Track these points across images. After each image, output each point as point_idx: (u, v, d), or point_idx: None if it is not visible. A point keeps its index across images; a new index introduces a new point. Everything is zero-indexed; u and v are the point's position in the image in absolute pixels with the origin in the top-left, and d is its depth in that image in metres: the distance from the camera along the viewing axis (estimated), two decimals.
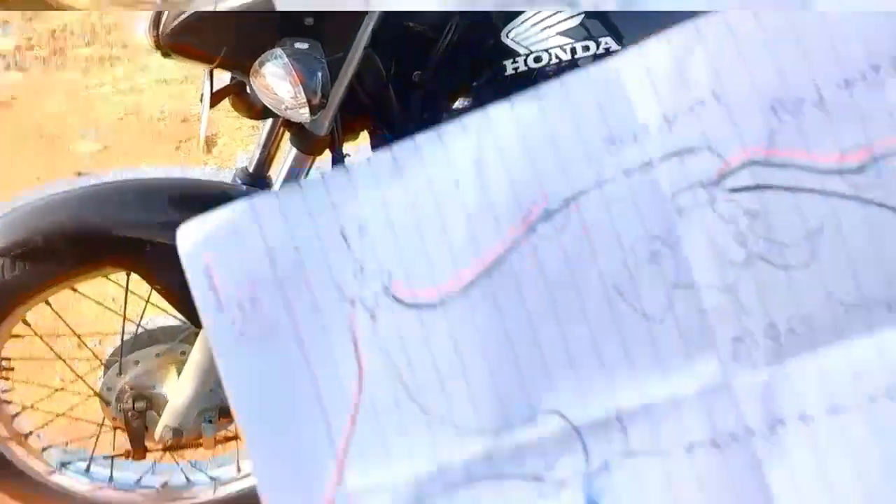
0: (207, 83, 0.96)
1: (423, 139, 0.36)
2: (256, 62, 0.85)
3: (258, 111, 0.95)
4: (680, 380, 0.33)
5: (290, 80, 0.83)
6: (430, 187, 0.35)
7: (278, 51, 0.84)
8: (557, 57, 0.84)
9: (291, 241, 0.38)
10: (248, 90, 0.93)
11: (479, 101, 0.91)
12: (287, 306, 0.38)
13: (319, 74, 0.84)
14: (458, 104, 0.91)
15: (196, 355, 1.11)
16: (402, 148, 0.37)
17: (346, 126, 0.95)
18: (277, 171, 1.04)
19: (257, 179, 1.10)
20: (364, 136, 1.00)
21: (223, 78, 0.98)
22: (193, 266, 0.38)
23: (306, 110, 0.85)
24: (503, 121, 0.34)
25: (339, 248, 0.37)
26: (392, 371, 0.37)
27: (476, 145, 0.34)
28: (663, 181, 0.33)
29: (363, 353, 0.37)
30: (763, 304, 0.32)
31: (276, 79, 0.84)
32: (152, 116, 2.68)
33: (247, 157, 1.14)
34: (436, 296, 0.36)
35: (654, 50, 0.33)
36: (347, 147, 0.93)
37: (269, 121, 1.05)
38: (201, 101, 0.98)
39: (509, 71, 0.86)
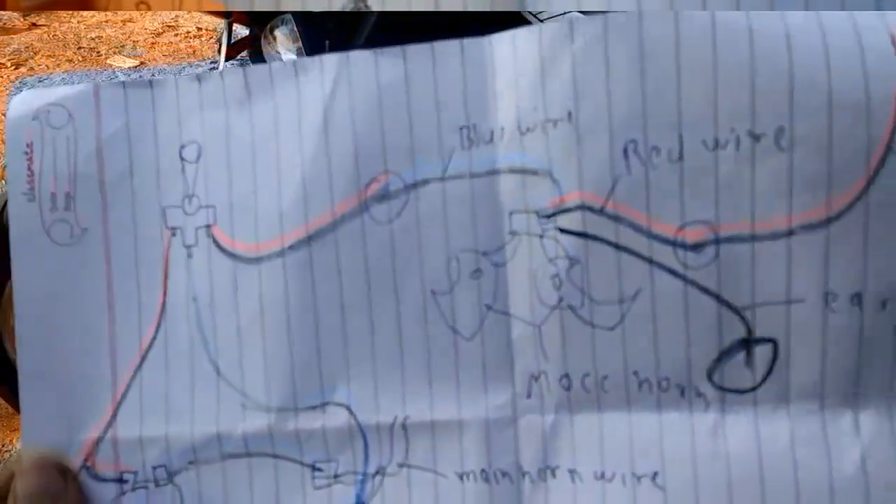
0: (225, 35, 0.96)
1: (278, 69, 0.32)
2: (268, 26, 0.85)
3: None
4: (471, 405, 0.31)
5: (297, 47, 0.82)
6: (275, 126, 0.32)
7: (288, 16, 0.82)
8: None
9: (127, 145, 0.34)
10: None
11: None
12: (103, 216, 0.34)
13: (326, 43, 0.83)
14: None
15: None
16: (256, 72, 0.33)
17: None
18: None
19: None
20: None
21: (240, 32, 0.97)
22: (14, 140, 0.34)
23: None
24: (363, 74, 0.31)
25: (174, 168, 0.33)
26: (194, 318, 0.33)
27: (329, 94, 0.32)
28: (504, 196, 0.31)
29: (169, 289, 0.34)
30: (563, 353, 0.31)
31: (283, 47, 0.83)
32: (189, 33, 2.66)
33: None
34: (254, 251, 0.33)
35: (526, 42, 0.30)
36: None
37: None
38: (218, 52, 0.98)
39: None
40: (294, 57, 0.83)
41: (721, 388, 0.30)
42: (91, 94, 0.34)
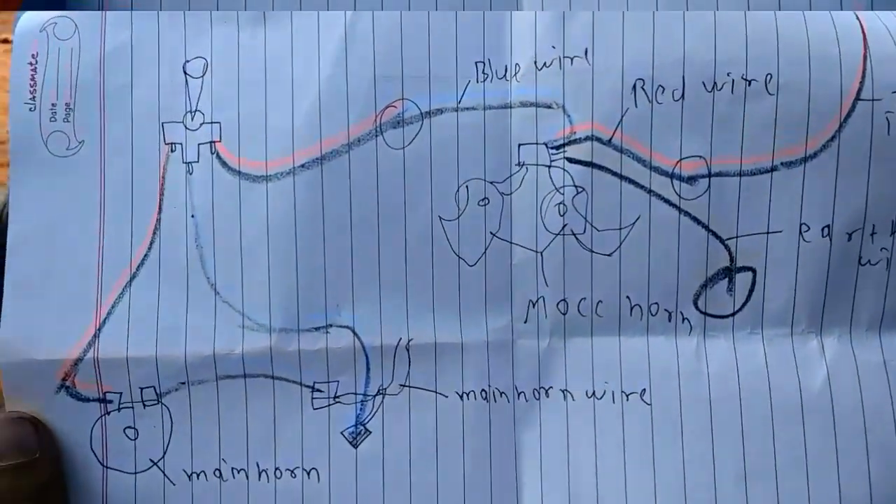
0: None
1: None
2: None
3: None
4: (472, 328, 0.33)
5: None
6: (291, 46, 0.34)
7: None
8: None
9: (130, 60, 0.34)
10: None
11: None
12: (101, 127, 0.33)
13: None
14: None
15: None
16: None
17: None
18: None
19: None
20: None
21: None
22: (20, 50, 0.34)
23: None
24: (389, 4, 0.34)
25: (178, 84, 0.33)
26: (192, 236, 0.33)
27: (351, 20, 0.33)
28: (514, 128, 0.33)
29: (165, 205, 0.34)
30: (561, 278, 0.33)
31: None
32: None
33: None
34: (262, 169, 0.33)
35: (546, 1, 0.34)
36: None
37: None
38: None
39: None
40: None
41: (704, 314, 0.33)
42: (98, 17, 0.34)
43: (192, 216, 0.34)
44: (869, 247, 0.32)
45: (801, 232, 0.32)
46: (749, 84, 0.32)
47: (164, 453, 0.33)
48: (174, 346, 0.33)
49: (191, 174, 0.34)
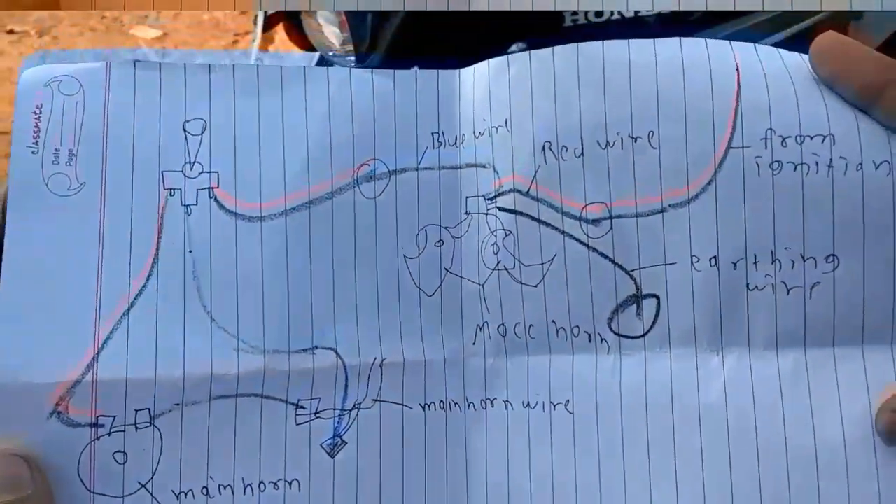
0: (261, 18, 0.95)
1: (288, 72, 0.39)
2: None
3: (309, 45, 0.93)
4: (431, 348, 0.39)
5: (339, 24, 0.82)
6: (282, 114, 0.39)
7: None
8: (620, 14, 0.86)
9: (132, 114, 0.37)
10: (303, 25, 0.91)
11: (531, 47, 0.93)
12: (103, 171, 0.36)
13: (369, 21, 0.80)
14: (513, 48, 0.89)
15: None
16: (267, 71, 0.39)
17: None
18: None
19: None
20: None
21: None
22: (24, 101, 0.36)
23: (353, 57, 0.84)
24: (362, 86, 0.39)
25: (177, 138, 0.37)
26: (190, 269, 0.36)
27: (333, 96, 0.39)
28: (463, 184, 0.39)
29: (163, 243, 0.36)
30: (500, 307, 0.38)
31: (326, 22, 0.83)
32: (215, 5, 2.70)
33: None
34: (257, 210, 0.37)
35: (480, 72, 0.39)
36: None
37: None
38: (254, 22, 0.97)
39: (567, 22, 0.88)
40: (336, 30, 0.85)
41: (618, 335, 0.38)
42: (103, 69, 0.37)
43: (190, 251, 0.37)
44: (754, 274, 0.36)
45: (692, 263, 0.37)
46: (635, 140, 0.37)
47: (153, 475, 0.35)
48: (173, 368, 0.36)
49: (189, 215, 0.37)
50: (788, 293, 0.36)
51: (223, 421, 0.36)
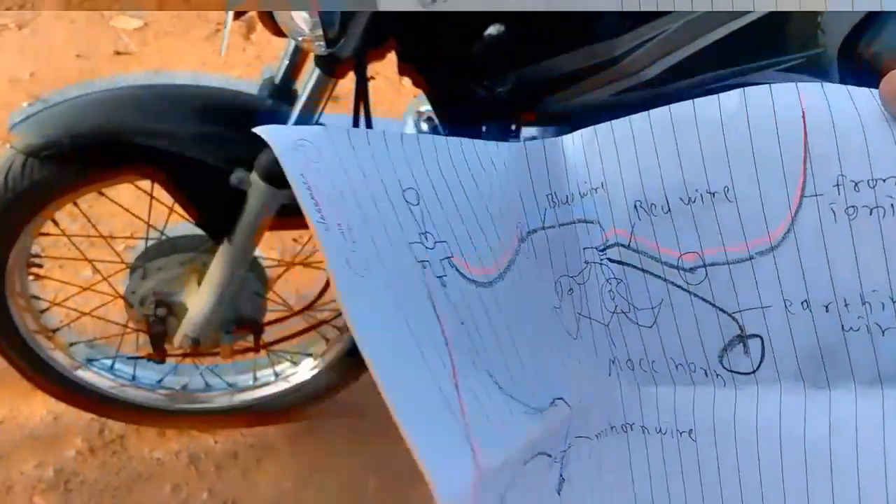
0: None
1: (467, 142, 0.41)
2: None
3: (282, 31, 0.92)
4: (591, 385, 0.42)
5: (309, 10, 0.81)
6: (460, 181, 0.40)
7: None
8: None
9: (366, 186, 0.36)
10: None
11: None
12: (375, 246, 0.36)
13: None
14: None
15: (214, 269, 1.14)
16: (451, 143, 0.41)
17: (370, 53, 0.92)
18: (301, 88, 1.01)
19: (282, 93, 1.11)
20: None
21: None
22: (293, 170, 0.35)
23: (322, 42, 0.83)
24: (485, 153, 0.42)
25: (404, 207, 0.37)
26: (466, 340, 0.37)
27: (487, 164, 0.42)
28: (580, 237, 0.41)
29: (442, 318, 0.37)
30: (624, 345, 0.41)
31: (296, 7, 0.82)
32: None
33: (273, 68, 1.13)
34: (483, 276, 0.39)
35: (581, 138, 0.41)
36: None
37: None
38: (226, 10, 0.96)
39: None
40: (305, 15, 0.83)
41: (731, 371, 0.40)
42: (324, 134, 0.37)
43: (462, 324, 0.38)
44: (846, 315, 0.37)
45: (786, 306, 0.38)
46: (713, 196, 0.39)
47: None
48: (518, 444, 0.39)
49: (444, 286, 0.38)
50: (884, 334, 0.37)
51: (522, 482, 0.40)
